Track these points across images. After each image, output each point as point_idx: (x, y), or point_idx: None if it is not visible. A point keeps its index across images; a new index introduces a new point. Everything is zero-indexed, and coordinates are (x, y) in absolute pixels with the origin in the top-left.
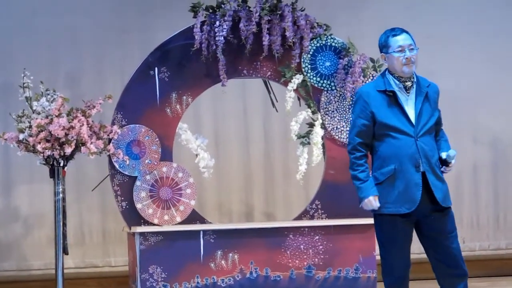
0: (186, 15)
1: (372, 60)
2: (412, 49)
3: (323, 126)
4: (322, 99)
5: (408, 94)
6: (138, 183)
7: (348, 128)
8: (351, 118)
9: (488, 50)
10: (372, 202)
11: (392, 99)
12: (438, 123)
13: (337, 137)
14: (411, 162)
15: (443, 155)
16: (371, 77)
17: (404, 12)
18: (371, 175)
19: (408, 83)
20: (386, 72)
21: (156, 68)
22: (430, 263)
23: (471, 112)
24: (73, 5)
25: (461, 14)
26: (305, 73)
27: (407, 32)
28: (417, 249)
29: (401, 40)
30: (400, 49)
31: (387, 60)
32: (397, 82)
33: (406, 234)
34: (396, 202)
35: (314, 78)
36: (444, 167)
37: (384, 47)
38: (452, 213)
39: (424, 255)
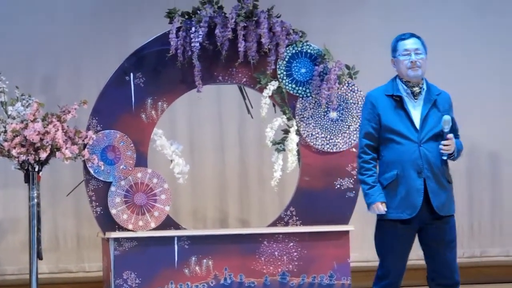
0: (162, 21)
1: (347, 67)
2: (418, 53)
3: (298, 132)
4: (298, 105)
5: (416, 100)
6: (113, 188)
7: (323, 135)
8: (360, 123)
9: (466, 60)
10: (380, 207)
11: (399, 104)
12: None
13: (312, 143)
14: (413, 167)
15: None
16: (347, 84)
17: (380, 21)
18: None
19: (416, 89)
20: (396, 77)
21: (131, 74)
22: (426, 269)
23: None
24: (49, 10)
25: (438, 23)
26: (280, 80)
27: (417, 37)
28: (414, 256)
29: (408, 43)
30: (406, 52)
31: (395, 64)
32: (405, 88)
33: (406, 241)
34: (398, 208)
35: (290, 85)
36: (441, 144)
37: (392, 51)
38: (453, 222)
39: (419, 262)
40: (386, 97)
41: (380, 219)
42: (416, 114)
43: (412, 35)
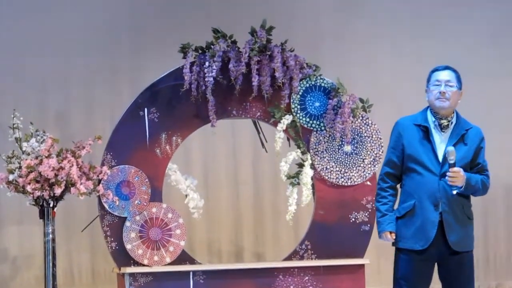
0: (176, 56)
1: (361, 100)
2: (449, 85)
3: (312, 166)
4: (312, 139)
5: (443, 132)
6: (127, 223)
7: (337, 169)
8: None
9: (479, 89)
10: (388, 236)
11: (425, 135)
12: (476, 168)
13: (326, 177)
14: (430, 200)
15: None
16: (361, 118)
17: (392, 54)
18: (395, 208)
19: (444, 121)
20: (428, 107)
21: (145, 109)
22: None
23: None
24: (62, 45)
25: (450, 53)
26: (294, 114)
27: (452, 70)
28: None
29: (440, 74)
30: (437, 83)
31: (427, 94)
32: (434, 119)
33: (422, 272)
34: (412, 238)
35: (304, 119)
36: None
37: (427, 81)
38: (471, 258)
39: None
40: (415, 126)
41: (398, 247)
42: (441, 147)
43: (447, 68)
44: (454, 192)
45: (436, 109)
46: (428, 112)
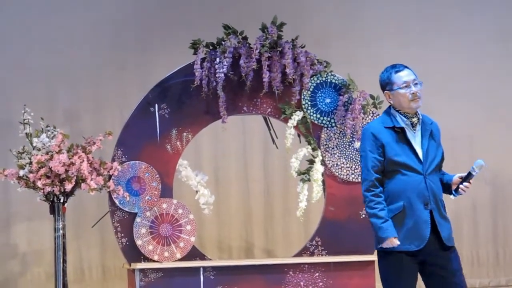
0: (186, 52)
1: (372, 97)
2: (416, 83)
3: (323, 163)
4: (322, 135)
5: (414, 130)
6: (138, 219)
7: (348, 165)
8: (360, 156)
9: (485, 87)
10: (394, 242)
11: (401, 136)
12: (443, 160)
13: (337, 174)
14: (420, 199)
15: (463, 175)
16: (371, 114)
17: (401, 50)
18: None
19: (415, 120)
20: (391, 109)
21: (156, 105)
22: None
23: (467, 149)
24: (71, 42)
25: (458, 50)
26: (305, 110)
27: (408, 68)
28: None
29: (404, 75)
30: (405, 84)
31: (392, 97)
32: (404, 119)
33: (412, 273)
34: (405, 240)
35: (314, 115)
36: (463, 184)
37: (387, 84)
38: (457, 251)
39: None
40: (386, 129)
41: (384, 251)
42: (417, 145)
43: (405, 67)
44: (453, 197)
45: (411, 110)
46: (396, 114)
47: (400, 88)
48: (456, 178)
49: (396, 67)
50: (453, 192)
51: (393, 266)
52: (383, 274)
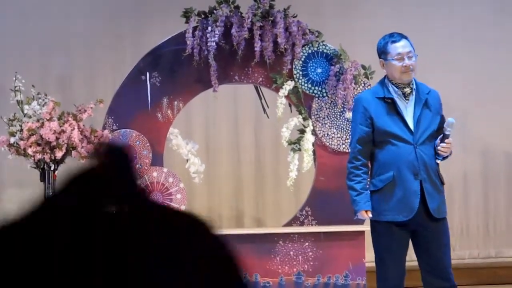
0: (178, 20)
1: (363, 67)
2: (411, 56)
3: (314, 132)
4: (313, 105)
5: (407, 101)
6: None
7: (339, 135)
8: (351, 127)
9: (480, 59)
10: (364, 215)
11: (391, 106)
12: (440, 129)
13: (328, 143)
14: (410, 169)
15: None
16: (363, 84)
17: (396, 21)
18: (369, 182)
19: (407, 90)
20: (385, 79)
21: (147, 73)
22: (421, 273)
23: (460, 120)
24: (66, 9)
25: (453, 22)
26: (296, 80)
27: (406, 38)
28: (412, 257)
29: (400, 47)
30: (399, 56)
31: (386, 67)
32: (396, 89)
33: (402, 243)
34: (394, 210)
35: (306, 85)
36: (440, 145)
37: (382, 53)
38: (447, 224)
39: (414, 263)
40: (377, 99)
41: (375, 221)
42: (409, 115)
43: (402, 37)
44: (439, 161)
45: (401, 81)
46: (388, 83)
47: (393, 59)
48: (437, 142)
49: (394, 37)
50: (436, 156)
51: (383, 236)
52: (374, 243)
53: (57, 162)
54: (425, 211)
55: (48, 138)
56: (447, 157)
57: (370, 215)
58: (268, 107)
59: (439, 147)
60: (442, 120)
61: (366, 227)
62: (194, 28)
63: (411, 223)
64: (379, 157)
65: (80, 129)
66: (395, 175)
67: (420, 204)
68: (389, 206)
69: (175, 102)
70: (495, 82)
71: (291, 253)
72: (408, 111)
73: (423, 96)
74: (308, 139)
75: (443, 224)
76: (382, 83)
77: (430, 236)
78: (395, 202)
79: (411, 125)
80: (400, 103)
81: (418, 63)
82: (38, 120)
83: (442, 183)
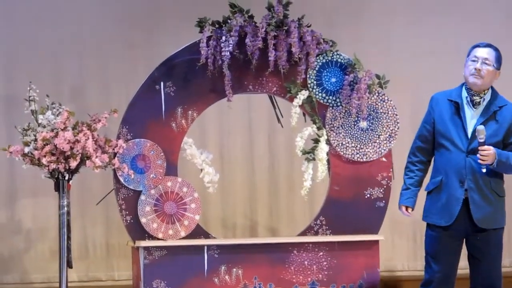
0: (192, 30)
1: (377, 76)
2: (486, 63)
3: (328, 142)
4: (328, 115)
5: (475, 109)
6: (143, 197)
7: (353, 145)
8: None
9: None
10: (403, 210)
11: (456, 111)
12: (510, 147)
13: (342, 153)
14: (457, 176)
15: None
16: (377, 94)
17: (409, 29)
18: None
19: (476, 98)
20: (464, 83)
21: (161, 83)
22: (470, 281)
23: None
24: (79, 18)
25: (465, 30)
26: (310, 89)
27: (494, 49)
28: (463, 265)
29: (479, 51)
30: (474, 59)
31: (464, 68)
32: (466, 95)
33: (448, 248)
34: (437, 214)
35: (320, 94)
36: (477, 155)
37: (467, 55)
38: (498, 236)
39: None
40: (448, 101)
41: (427, 222)
42: (471, 123)
43: (489, 45)
44: (484, 170)
45: (470, 85)
46: (463, 88)
47: (469, 60)
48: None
49: (480, 43)
50: (481, 165)
51: (429, 237)
52: (425, 244)
53: (72, 172)
54: (470, 219)
55: (63, 148)
56: (497, 167)
57: (408, 213)
58: (282, 116)
59: (477, 155)
60: (505, 134)
61: (381, 237)
62: (208, 38)
63: (459, 229)
64: (435, 160)
65: (95, 139)
66: (443, 180)
67: (464, 212)
68: (435, 210)
69: (189, 112)
70: (509, 90)
71: (306, 262)
72: (473, 120)
73: (493, 108)
74: (322, 149)
75: (493, 234)
76: (460, 86)
77: (477, 246)
78: (440, 207)
79: (469, 132)
80: (466, 109)
81: (432, 70)
82: (52, 130)
83: (498, 195)
